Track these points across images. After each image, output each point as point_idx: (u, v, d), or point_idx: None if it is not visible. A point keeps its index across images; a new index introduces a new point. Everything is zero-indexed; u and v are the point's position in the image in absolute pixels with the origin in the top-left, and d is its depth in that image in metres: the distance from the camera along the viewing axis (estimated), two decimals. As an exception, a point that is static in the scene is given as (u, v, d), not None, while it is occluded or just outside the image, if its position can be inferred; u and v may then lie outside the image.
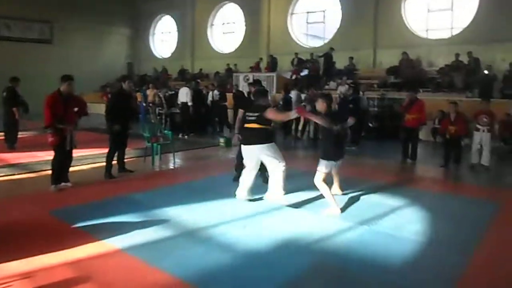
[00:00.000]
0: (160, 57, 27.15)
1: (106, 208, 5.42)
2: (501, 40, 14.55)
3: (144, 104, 14.33)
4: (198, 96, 13.59)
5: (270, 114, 5.70)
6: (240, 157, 6.42)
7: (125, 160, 7.79)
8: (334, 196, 5.56)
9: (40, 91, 15.40)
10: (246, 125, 5.85)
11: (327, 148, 5.56)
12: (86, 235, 4.49)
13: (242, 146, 5.96)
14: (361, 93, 12.52)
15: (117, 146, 7.45)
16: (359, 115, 10.37)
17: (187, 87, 13.56)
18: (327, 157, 5.49)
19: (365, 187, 6.72)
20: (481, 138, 8.56)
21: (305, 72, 17.72)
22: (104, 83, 23.35)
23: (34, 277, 3.53)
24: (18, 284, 3.40)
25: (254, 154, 5.77)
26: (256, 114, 5.72)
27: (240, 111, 6.45)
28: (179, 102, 13.36)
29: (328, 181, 5.61)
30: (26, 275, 3.54)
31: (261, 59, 20.10)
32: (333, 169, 5.70)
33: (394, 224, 5.08)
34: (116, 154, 7.51)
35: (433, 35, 16.85)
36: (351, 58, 17.25)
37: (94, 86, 23.19)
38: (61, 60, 23.13)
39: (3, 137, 10.59)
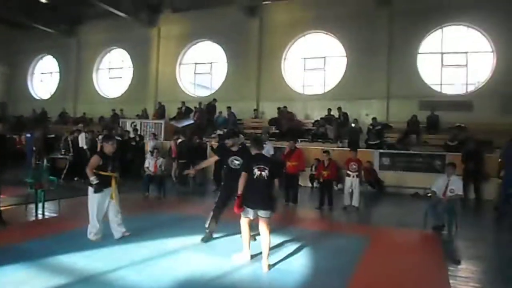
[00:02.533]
0: (39, 98, 25.52)
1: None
2: (365, 98, 16.86)
3: (34, 148, 13.52)
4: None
5: None
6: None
7: (2, 208, 7.27)
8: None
9: None
10: None
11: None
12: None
13: None
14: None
15: None
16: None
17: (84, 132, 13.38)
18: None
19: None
20: (351, 182, 9.76)
21: (190, 121, 18.14)
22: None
23: None
24: None
25: None
26: None
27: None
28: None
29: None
30: None
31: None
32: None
33: (281, 259, 5.61)
34: None
35: (309, 91, 18.76)
36: (229, 108, 18.15)
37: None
38: None
39: None
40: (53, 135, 16.27)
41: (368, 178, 12.40)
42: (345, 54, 17.73)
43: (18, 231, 6.82)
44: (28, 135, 13.94)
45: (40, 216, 7.95)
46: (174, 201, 10.47)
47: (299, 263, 5.49)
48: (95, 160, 6.17)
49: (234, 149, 6.36)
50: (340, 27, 17.58)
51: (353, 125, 15.65)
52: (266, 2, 18.85)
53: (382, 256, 6.12)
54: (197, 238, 6.43)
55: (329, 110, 16.87)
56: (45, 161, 12.74)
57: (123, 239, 6.21)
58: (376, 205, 11.64)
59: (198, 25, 20.27)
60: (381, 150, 14.14)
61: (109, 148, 6.30)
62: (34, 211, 8.06)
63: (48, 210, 8.34)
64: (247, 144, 6.42)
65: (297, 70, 19.06)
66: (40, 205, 8.19)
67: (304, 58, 18.84)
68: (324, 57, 18.51)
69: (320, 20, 17.91)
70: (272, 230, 6.96)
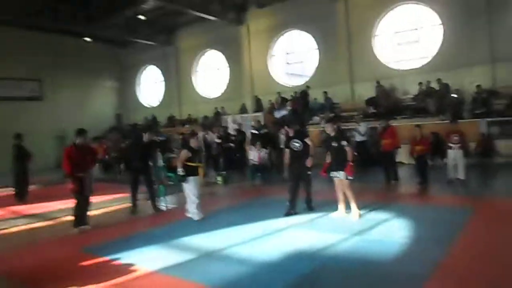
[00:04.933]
0: (148, 106, 28.09)
1: (131, 242, 6.14)
2: (466, 65, 15.83)
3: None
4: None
5: None
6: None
7: (137, 202, 8.59)
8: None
9: (36, 146, 16.03)
10: None
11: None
12: (120, 264, 5.21)
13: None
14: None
15: (135, 188, 8.51)
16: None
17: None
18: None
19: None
20: (454, 154, 9.48)
21: (285, 112, 18.56)
22: (95, 135, 23.94)
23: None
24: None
25: None
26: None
27: None
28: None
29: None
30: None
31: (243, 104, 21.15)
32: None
33: (382, 232, 5.91)
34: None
35: (405, 66, 18.12)
36: (325, 92, 18.34)
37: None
38: (51, 115, 24.05)
39: (13, 192, 11.16)
40: (164, 138, 17.79)
41: (478, 149, 11.83)
42: (440, 22, 16.83)
43: (148, 220, 7.95)
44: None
45: (164, 208, 9.04)
46: (277, 187, 11.07)
47: (400, 235, 5.71)
48: (184, 153, 7.43)
49: (291, 134, 7.73)
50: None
51: (454, 95, 14.89)
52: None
53: (485, 227, 6.06)
54: (300, 218, 7.00)
55: (428, 83, 16.20)
56: (161, 161, 14.17)
57: (234, 222, 7.00)
58: (485, 176, 11.10)
59: (284, 16, 20.63)
60: (489, 119, 13.32)
61: (194, 143, 7.67)
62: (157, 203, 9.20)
63: (169, 202, 9.43)
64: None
65: (390, 45, 18.52)
66: (162, 198, 9.33)
67: (396, 32, 18.23)
68: (417, 29, 17.75)
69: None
70: (373, 207, 7.33)
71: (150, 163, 8.83)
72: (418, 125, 9.85)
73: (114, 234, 6.88)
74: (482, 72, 15.67)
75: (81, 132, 7.32)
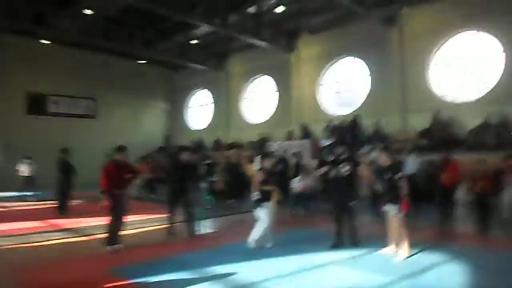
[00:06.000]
0: (196, 129, 28.34)
1: (161, 266, 5.88)
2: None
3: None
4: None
5: None
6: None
7: (175, 224, 8.31)
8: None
9: (87, 162, 16.41)
10: None
11: None
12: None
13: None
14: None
15: (173, 209, 8.25)
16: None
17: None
18: None
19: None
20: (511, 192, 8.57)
21: (331, 140, 17.92)
22: (143, 154, 24.34)
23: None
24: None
25: None
26: None
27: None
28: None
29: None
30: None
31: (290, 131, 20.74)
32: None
33: (434, 277, 5.27)
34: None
35: (461, 97, 17.14)
36: (376, 123, 17.66)
37: (134, 156, 24.23)
38: (104, 133, 24.74)
39: (56, 205, 11.31)
40: (210, 161, 17.69)
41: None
42: (502, 50, 15.78)
43: (183, 244, 7.66)
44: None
45: (200, 232, 8.71)
46: (321, 218, 10.52)
47: (454, 281, 5.05)
48: (259, 175, 6.94)
49: (342, 157, 7.21)
50: (496, 21, 15.73)
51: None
52: (404, 11, 17.96)
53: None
54: (343, 253, 6.44)
55: (487, 115, 15.16)
56: (204, 184, 13.98)
57: (271, 253, 6.61)
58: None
59: (336, 43, 20.32)
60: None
61: (267, 164, 7.18)
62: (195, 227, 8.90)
63: (206, 226, 9.13)
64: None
65: (446, 76, 17.65)
66: (201, 221, 9.02)
67: (452, 62, 17.35)
68: (476, 58, 16.76)
69: (470, 18, 16.30)
70: (426, 247, 6.66)
71: (190, 185, 8.55)
72: (480, 160, 9.03)
73: (145, 256, 6.66)
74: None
75: (121, 148, 7.28)
